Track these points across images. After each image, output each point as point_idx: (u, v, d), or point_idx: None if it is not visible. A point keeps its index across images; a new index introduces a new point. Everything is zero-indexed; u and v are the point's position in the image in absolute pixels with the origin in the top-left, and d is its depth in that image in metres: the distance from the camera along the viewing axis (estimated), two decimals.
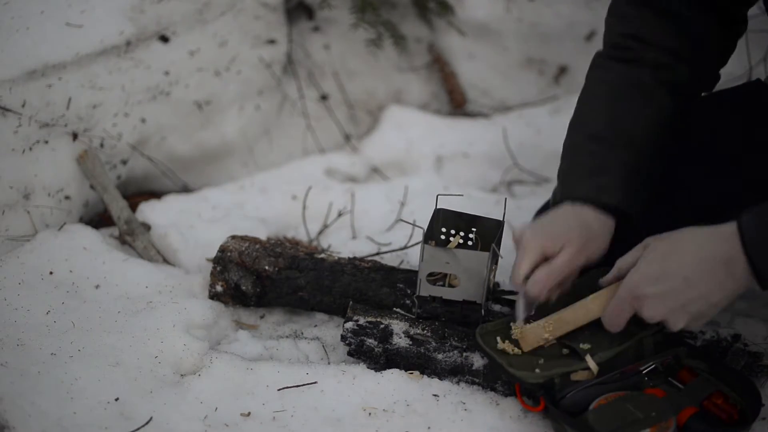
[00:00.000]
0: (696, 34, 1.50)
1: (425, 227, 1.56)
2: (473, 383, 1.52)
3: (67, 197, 1.94)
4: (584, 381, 1.42)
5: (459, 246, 1.62)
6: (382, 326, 1.57)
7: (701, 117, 1.57)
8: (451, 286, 1.58)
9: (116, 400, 1.46)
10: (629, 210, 1.47)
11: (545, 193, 2.12)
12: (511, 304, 1.58)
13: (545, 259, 1.43)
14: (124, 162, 2.09)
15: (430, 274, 1.56)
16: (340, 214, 2.07)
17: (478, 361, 1.51)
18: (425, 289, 1.56)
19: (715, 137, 1.56)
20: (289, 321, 1.76)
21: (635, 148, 1.49)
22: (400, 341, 1.55)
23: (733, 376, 1.42)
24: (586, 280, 1.48)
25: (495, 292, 1.63)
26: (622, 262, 1.39)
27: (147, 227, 1.97)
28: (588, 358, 1.43)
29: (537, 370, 1.41)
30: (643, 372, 1.43)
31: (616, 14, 1.57)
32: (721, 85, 1.61)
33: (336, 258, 1.72)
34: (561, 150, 1.55)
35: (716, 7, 1.50)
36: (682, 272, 1.29)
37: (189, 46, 2.16)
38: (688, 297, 1.29)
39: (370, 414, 1.46)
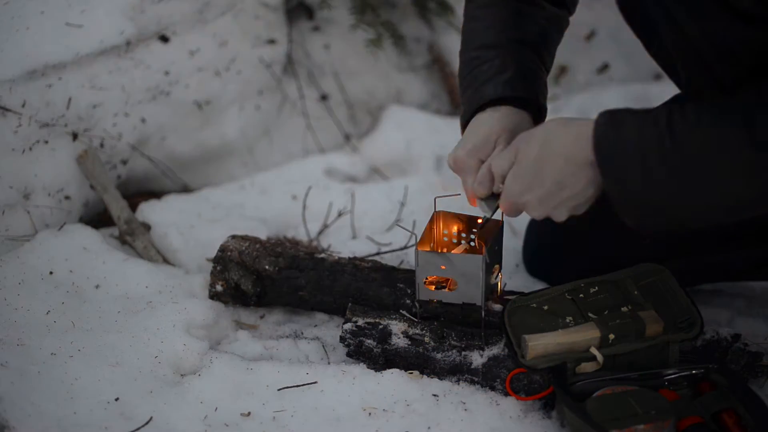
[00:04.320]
0: None
1: (421, 233, 1.57)
2: (473, 382, 1.52)
3: (67, 197, 1.94)
4: (601, 373, 1.43)
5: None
6: (380, 327, 1.57)
7: None
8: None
9: (116, 400, 1.46)
10: (539, 100, 1.53)
11: None
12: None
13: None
14: (124, 162, 2.09)
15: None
16: (340, 214, 2.07)
17: (476, 359, 1.52)
18: (424, 294, 1.56)
19: None
20: (289, 321, 1.76)
21: (525, 46, 1.57)
22: (399, 341, 1.55)
23: (752, 399, 1.39)
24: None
25: (494, 293, 1.62)
26: (496, 166, 1.42)
27: (147, 227, 1.97)
28: (593, 349, 1.44)
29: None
30: (665, 377, 1.43)
31: None
32: None
33: (336, 258, 1.72)
34: None
35: None
36: (554, 177, 1.33)
37: (189, 46, 2.16)
38: (564, 196, 1.34)
39: (370, 414, 1.46)
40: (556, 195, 1.34)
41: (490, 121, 1.50)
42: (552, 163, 1.33)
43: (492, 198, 1.49)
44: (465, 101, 1.57)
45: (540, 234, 1.82)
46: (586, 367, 1.44)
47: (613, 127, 1.27)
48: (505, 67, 1.53)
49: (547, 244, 1.79)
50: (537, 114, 1.55)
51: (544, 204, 1.36)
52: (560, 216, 1.38)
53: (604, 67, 2.66)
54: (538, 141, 1.35)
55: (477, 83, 1.54)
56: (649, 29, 1.37)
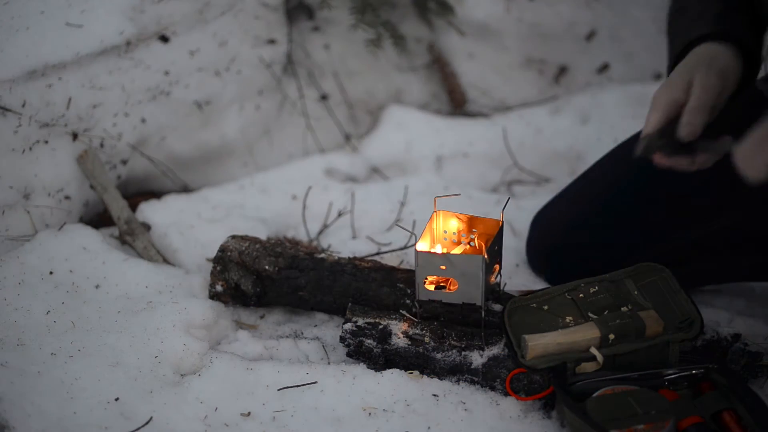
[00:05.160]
0: None
1: (420, 234, 1.57)
2: (473, 382, 1.52)
3: (67, 197, 1.94)
4: (601, 373, 1.43)
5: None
6: (380, 327, 1.57)
7: None
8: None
9: (116, 400, 1.46)
10: (741, 33, 1.43)
11: (545, 193, 2.12)
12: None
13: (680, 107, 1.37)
14: (124, 162, 2.09)
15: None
16: (340, 214, 2.07)
17: (476, 359, 1.52)
18: (424, 294, 1.56)
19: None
20: (289, 321, 1.76)
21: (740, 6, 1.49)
22: (399, 341, 1.55)
23: (752, 399, 1.39)
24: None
25: (494, 292, 1.63)
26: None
27: (147, 227, 1.98)
28: (593, 349, 1.44)
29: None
30: (665, 377, 1.43)
31: None
32: None
33: (336, 258, 1.72)
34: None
35: None
36: None
37: (189, 46, 2.16)
38: None
39: (370, 414, 1.46)
40: None
41: (694, 60, 1.41)
42: None
43: (652, 139, 1.37)
44: (672, 42, 1.52)
45: (542, 232, 1.82)
46: (586, 367, 1.44)
47: None
48: (708, 7, 1.47)
49: (548, 244, 1.79)
50: (744, 49, 1.44)
51: None
52: None
53: (604, 67, 2.66)
54: None
55: (689, 23, 1.49)
56: None
